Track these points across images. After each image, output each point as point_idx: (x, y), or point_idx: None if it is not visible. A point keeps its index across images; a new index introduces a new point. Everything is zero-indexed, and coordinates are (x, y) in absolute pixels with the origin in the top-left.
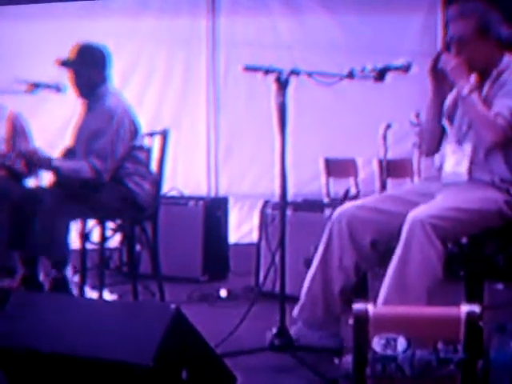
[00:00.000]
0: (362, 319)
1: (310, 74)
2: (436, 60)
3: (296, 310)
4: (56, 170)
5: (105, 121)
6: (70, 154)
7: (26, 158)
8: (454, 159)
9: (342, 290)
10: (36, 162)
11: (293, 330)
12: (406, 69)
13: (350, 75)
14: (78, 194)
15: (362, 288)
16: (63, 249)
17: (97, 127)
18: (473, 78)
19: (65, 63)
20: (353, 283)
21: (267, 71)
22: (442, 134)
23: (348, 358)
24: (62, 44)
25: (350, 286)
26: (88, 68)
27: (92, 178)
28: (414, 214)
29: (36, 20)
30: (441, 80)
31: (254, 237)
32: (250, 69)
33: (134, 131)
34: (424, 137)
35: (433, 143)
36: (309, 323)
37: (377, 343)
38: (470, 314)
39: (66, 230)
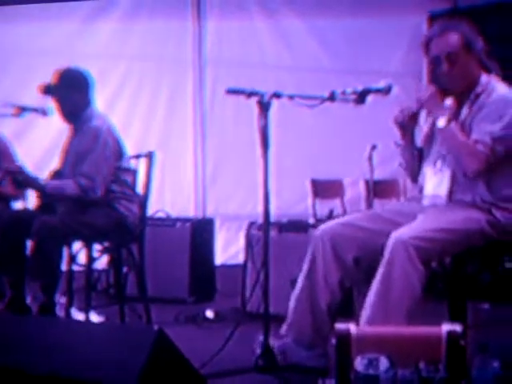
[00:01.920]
0: (345, 339)
1: (291, 97)
2: (399, 115)
3: (284, 328)
4: (41, 188)
5: (90, 141)
6: (57, 176)
7: (12, 175)
8: (434, 181)
9: (329, 307)
10: (22, 180)
11: (280, 345)
12: (386, 91)
13: (331, 98)
14: (67, 218)
15: (347, 306)
16: (54, 274)
17: (83, 148)
18: (449, 101)
19: (47, 90)
20: (338, 300)
21: (249, 94)
22: (419, 162)
23: (332, 379)
24: (50, 59)
25: (336, 303)
26: (71, 93)
27: (77, 195)
28: (396, 235)
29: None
30: (406, 127)
31: (241, 258)
32: (233, 92)
33: (119, 152)
34: (405, 171)
35: (414, 174)
36: (297, 341)
37: (359, 363)
38: (451, 333)
39: (57, 255)
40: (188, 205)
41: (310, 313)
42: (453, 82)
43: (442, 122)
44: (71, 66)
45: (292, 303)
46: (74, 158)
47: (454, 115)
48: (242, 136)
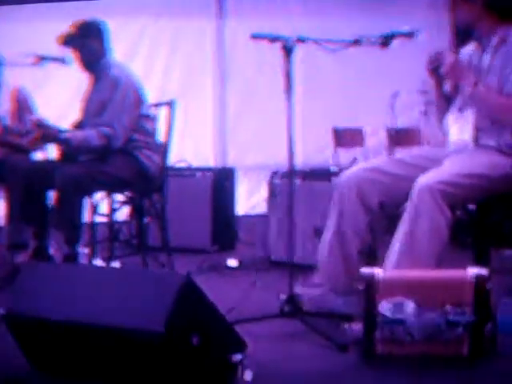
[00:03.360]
0: (371, 284)
1: (316, 41)
2: (431, 61)
3: (317, 277)
4: (66, 142)
5: (110, 90)
6: (79, 127)
7: (40, 129)
8: (457, 127)
9: (360, 252)
10: (48, 135)
11: (317, 295)
12: (411, 35)
13: (357, 42)
14: (90, 169)
15: (372, 255)
16: (76, 225)
17: (103, 97)
18: (471, 46)
19: (66, 40)
20: (368, 244)
21: (274, 39)
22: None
23: (358, 323)
24: (69, 9)
25: (366, 247)
26: (89, 41)
27: (102, 145)
28: (422, 180)
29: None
30: (439, 75)
31: (263, 208)
32: (257, 37)
33: (139, 99)
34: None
35: (442, 116)
36: (333, 289)
37: (386, 307)
38: (477, 277)
39: (79, 207)
40: (208, 154)
41: (341, 259)
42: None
43: (469, 89)
44: (87, 18)
45: (322, 251)
46: (94, 107)
47: (478, 60)
48: (262, 85)
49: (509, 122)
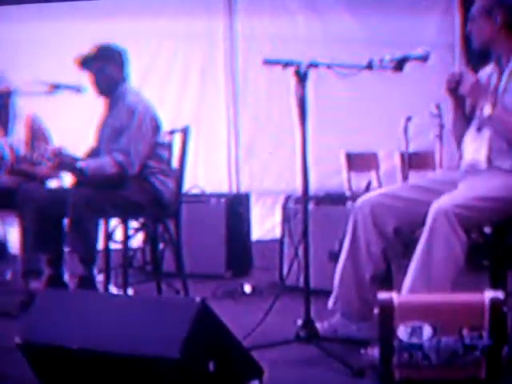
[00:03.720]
0: (387, 308)
1: (328, 66)
2: (450, 81)
3: (331, 303)
4: (81, 171)
5: (126, 117)
6: (94, 153)
7: (57, 158)
8: (474, 146)
9: (373, 278)
10: (63, 164)
11: (330, 323)
12: (424, 58)
13: (369, 66)
14: (104, 192)
15: (387, 280)
16: (92, 247)
17: (119, 124)
18: (490, 67)
19: (84, 62)
20: (382, 271)
21: (286, 64)
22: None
23: (375, 348)
24: (81, 45)
25: (379, 274)
26: (108, 66)
27: (117, 173)
28: (438, 204)
29: (52, 20)
30: (459, 96)
31: (277, 233)
32: (270, 63)
33: (156, 127)
34: (452, 136)
35: (461, 138)
36: (346, 315)
37: (402, 331)
38: (494, 300)
39: (94, 229)
40: (222, 180)
41: (355, 285)
42: (471, 39)
43: (487, 110)
44: (108, 42)
45: (337, 276)
46: (109, 133)
47: (497, 81)
48: (274, 110)
49: None
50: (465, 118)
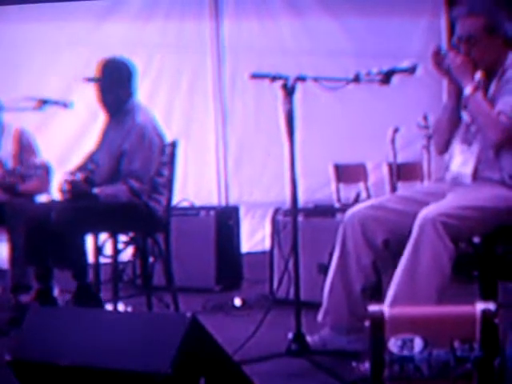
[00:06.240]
0: (378, 321)
1: (316, 80)
2: (435, 55)
3: (320, 315)
4: (95, 198)
5: (137, 140)
6: (92, 159)
7: (71, 186)
8: (461, 159)
9: (364, 290)
10: (78, 193)
11: (320, 335)
12: (411, 71)
13: (356, 79)
14: (92, 207)
15: (377, 291)
16: (79, 260)
17: (129, 147)
18: (478, 75)
19: (92, 79)
20: (373, 283)
21: (273, 78)
22: (452, 132)
23: (366, 361)
24: (71, 52)
25: (370, 286)
26: (114, 87)
27: (131, 201)
28: (424, 213)
29: (42, 24)
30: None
31: (267, 245)
32: (257, 76)
33: (163, 147)
34: (434, 136)
35: (442, 142)
36: (336, 328)
37: (393, 344)
38: (485, 312)
39: (79, 243)
40: (211, 193)
41: (345, 297)
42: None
43: (468, 90)
44: (115, 57)
45: (326, 289)
46: (116, 151)
47: (483, 90)
48: (263, 122)
49: (488, 138)
50: (454, 112)
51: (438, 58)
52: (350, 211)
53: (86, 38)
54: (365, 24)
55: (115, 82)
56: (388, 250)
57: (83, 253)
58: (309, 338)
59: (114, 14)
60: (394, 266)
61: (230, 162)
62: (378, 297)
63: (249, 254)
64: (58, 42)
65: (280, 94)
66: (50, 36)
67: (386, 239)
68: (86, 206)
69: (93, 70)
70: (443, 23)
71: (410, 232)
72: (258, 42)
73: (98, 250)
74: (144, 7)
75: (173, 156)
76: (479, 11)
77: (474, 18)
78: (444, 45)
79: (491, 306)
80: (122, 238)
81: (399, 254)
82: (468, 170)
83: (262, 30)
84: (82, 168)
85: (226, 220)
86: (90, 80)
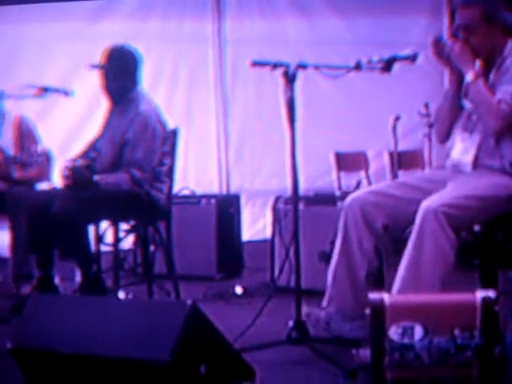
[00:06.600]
0: (379, 308)
1: (317, 67)
2: (435, 44)
3: (325, 302)
4: (96, 186)
5: (140, 129)
6: (94, 147)
7: (72, 173)
8: (462, 147)
9: (367, 275)
10: (78, 180)
11: (327, 312)
12: (412, 58)
13: (357, 67)
14: (94, 196)
15: (378, 278)
16: (84, 250)
17: (132, 136)
18: (478, 63)
19: (96, 66)
20: (375, 267)
21: (275, 66)
22: (453, 120)
23: (366, 349)
24: (69, 46)
25: (373, 271)
26: (119, 74)
27: (132, 190)
28: (426, 204)
29: (42, 22)
30: (448, 58)
31: (268, 233)
32: (258, 64)
33: (165, 136)
34: (435, 124)
35: (443, 130)
36: (340, 314)
37: (394, 332)
38: (485, 300)
39: (83, 232)
40: (212, 181)
41: (349, 283)
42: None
43: (469, 77)
44: (122, 45)
45: (330, 276)
46: (120, 139)
47: (482, 75)
48: (264, 111)
49: (488, 125)
50: (455, 100)
51: (438, 47)
52: (351, 197)
53: (84, 32)
54: (366, 18)
55: (120, 70)
56: (388, 235)
57: (87, 242)
58: (315, 313)
59: (117, 4)
60: (394, 252)
61: (230, 150)
62: (381, 283)
63: (250, 242)
64: (56, 32)
65: (281, 81)
66: (49, 32)
67: (386, 224)
68: (88, 194)
69: (94, 60)
70: (445, 11)
71: (409, 218)
72: (259, 32)
73: (99, 239)
74: None
75: (174, 144)
76: (475, 1)
77: (470, 8)
78: (445, 35)
79: (491, 293)
80: (123, 226)
81: (400, 239)
82: (468, 158)
83: (263, 20)
84: (83, 156)
85: (227, 208)
86: (94, 67)
